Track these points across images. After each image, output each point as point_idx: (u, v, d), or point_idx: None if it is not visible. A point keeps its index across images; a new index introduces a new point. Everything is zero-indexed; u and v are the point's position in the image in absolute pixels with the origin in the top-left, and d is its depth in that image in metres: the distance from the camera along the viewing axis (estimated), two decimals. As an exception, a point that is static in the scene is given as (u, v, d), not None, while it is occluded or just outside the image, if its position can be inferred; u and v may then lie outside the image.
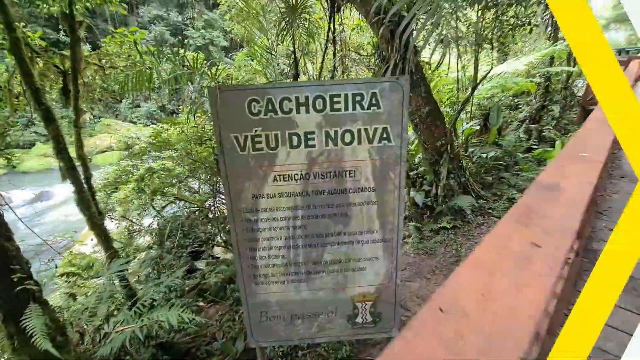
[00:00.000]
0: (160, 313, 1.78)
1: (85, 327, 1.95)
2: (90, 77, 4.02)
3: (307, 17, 4.92)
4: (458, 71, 5.67)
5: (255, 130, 1.61)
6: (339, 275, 1.91)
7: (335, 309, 2.00)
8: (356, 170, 1.70)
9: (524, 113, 10.31)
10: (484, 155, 6.20)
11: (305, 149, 1.65)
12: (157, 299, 2.55)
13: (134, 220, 5.52)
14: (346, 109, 1.59)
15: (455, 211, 5.62)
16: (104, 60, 4.35)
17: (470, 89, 5.21)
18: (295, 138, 1.63)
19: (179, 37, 28.90)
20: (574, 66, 9.89)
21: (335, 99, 1.58)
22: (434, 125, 5.48)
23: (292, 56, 4.51)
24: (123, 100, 28.79)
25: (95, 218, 3.17)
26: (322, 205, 1.75)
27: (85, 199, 3.08)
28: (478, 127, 6.69)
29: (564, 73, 10.18)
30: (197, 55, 3.88)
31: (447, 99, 7.91)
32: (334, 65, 5.43)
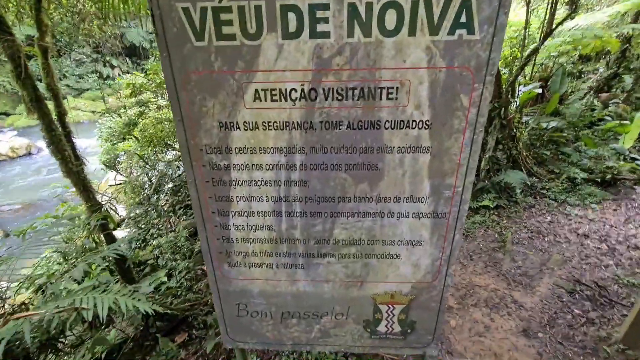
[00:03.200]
0: (86, 296, 1.19)
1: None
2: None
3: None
4: (528, 12, 4.51)
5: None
6: (356, 263, 1.23)
7: (347, 310, 1.34)
8: (400, 87, 0.94)
9: (589, 83, 8.80)
10: (544, 125, 5.13)
11: (310, 40, 0.90)
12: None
13: (134, 172, 5.10)
14: (393, -45, 0.81)
15: (501, 188, 4.76)
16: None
17: (541, 39, 4.09)
18: (292, 17, 0.88)
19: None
20: (663, 25, 8.15)
21: None
22: (487, 82, 4.48)
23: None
24: (150, 58, 28.50)
25: (70, 163, 2.64)
26: (335, 148, 1.03)
27: (56, 139, 2.54)
28: (539, 91, 5.55)
29: (645, 35, 8.46)
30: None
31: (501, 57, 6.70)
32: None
